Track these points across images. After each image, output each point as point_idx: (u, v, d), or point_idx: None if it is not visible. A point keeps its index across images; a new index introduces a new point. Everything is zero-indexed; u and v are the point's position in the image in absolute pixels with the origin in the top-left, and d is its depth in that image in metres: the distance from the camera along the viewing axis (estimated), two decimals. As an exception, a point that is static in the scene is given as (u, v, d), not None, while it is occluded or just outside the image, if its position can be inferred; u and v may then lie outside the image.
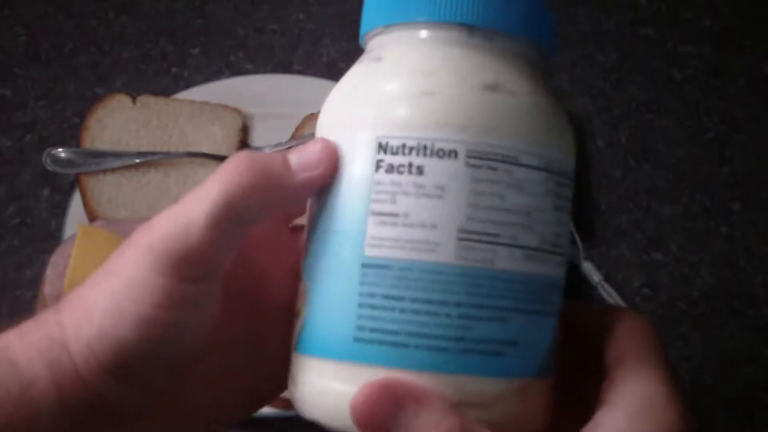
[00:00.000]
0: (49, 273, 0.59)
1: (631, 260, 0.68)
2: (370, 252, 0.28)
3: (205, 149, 0.69)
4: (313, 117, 0.70)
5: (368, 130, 0.29)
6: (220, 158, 0.68)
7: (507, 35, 0.30)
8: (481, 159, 0.28)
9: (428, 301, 0.28)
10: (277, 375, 0.33)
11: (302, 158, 0.30)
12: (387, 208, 0.28)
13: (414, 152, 0.28)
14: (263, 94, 0.73)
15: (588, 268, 0.66)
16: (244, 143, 0.71)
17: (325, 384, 0.29)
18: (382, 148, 0.28)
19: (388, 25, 0.31)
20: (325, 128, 0.31)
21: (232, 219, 0.29)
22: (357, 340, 0.28)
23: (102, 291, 0.28)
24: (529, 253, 0.29)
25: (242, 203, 0.29)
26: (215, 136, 0.70)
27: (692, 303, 0.66)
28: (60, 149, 0.67)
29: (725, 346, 0.64)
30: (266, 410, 0.57)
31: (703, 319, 0.65)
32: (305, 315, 0.30)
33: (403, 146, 0.28)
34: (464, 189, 0.28)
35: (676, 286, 0.66)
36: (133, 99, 0.70)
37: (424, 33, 0.30)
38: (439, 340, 0.28)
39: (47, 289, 0.58)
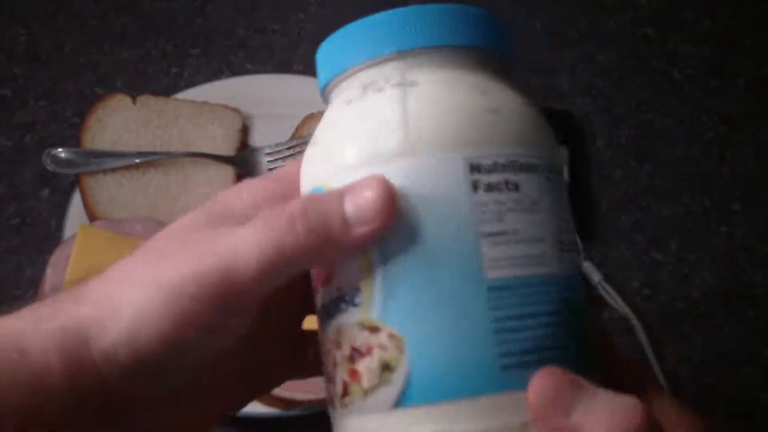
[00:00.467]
0: (49, 273, 0.59)
1: (631, 260, 0.68)
2: (492, 274, 0.27)
3: (205, 149, 0.69)
4: (313, 117, 0.70)
5: (449, 152, 0.28)
6: (220, 158, 0.68)
7: (501, 57, 0.31)
8: (549, 171, 0.29)
9: (550, 313, 0.27)
10: (277, 367, 0.33)
11: (359, 209, 0.27)
12: (496, 227, 0.27)
13: (507, 169, 0.28)
14: (263, 94, 0.73)
15: (588, 268, 0.66)
16: (244, 143, 0.71)
17: (457, 427, 0.27)
18: (475, 168, 0.28)
19: (407, 51, 0.29)
20: (370, 162, 0.28)
21: (280, 272, 0.28)
22: (503, 368, 0.26)
23: (134, 295, 0.28)
24: (573, 255, 0.29)
25: (294, 261, 0.28)
26: (215, 136, 0.70)
27: (692, 303, 0.66)
28: (60, 149, 0.67)
29: (725, 346, 0.64)
30: (266, 410, 0.57)
31: (703, 319, 0.65)
32: (408, 365, 0.27)
33: (495, 164, 0.28)
34: (552, 200, 0.29)
35: (676, 286, 0.66)
36: (133, 99, 0.70)
37: (452, 56, 0.30)
38: (566, 350, 0.27)
39: (47, 289, 0.58)
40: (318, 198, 0.28)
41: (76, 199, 0.66)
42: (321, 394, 0.55)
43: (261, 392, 0.36)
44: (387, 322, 0.27)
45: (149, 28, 0.78)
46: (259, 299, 0.29)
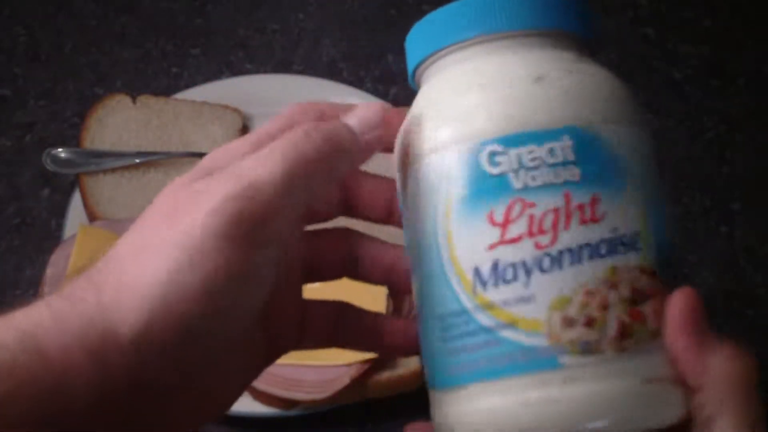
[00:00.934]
0: (49, 273, 0.59)
1: (631, 260, 0.67)
2: None
3: (205, 149, 0.69)
4: (313, 117, 0.70)
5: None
6: (220, 158, 0.68)
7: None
8: None
9: None
10: (283, 338, 0.33)
11: (362, 120, 0.30)
12: None
13: None
14: (263, 94, 0.73)
15: (588, 268, 0.66)
16: (244, 143, 0.71)
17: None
18: None
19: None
20: (591, 118, 0.31)
21: (303, 182, 0.28)
22: None
23: (152, 264, 0.27)
24: None
25: (316, 169, 0.29)
26: (215, 136, 0.70)
27: (692, 303, 0.66)
28: (60, 149, 0.67)
29: (725, 346, 0.64)
30: (266, 410, 0.57)
31: (703, 319, 0.65)
32: None
33: None
34: None
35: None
36: (133, 99, 0.70)
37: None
38: None
39: (47, 289, 0.58)
40: (320, 121, 0.30)
41: (76, 199, 0.66)
42: (321, 394, 0.55)
43: (266, 366, 0.34)
44: (658, 271, 0.30)
45: (149, 28, 0.78)
46: (284, 227, 0.28)
